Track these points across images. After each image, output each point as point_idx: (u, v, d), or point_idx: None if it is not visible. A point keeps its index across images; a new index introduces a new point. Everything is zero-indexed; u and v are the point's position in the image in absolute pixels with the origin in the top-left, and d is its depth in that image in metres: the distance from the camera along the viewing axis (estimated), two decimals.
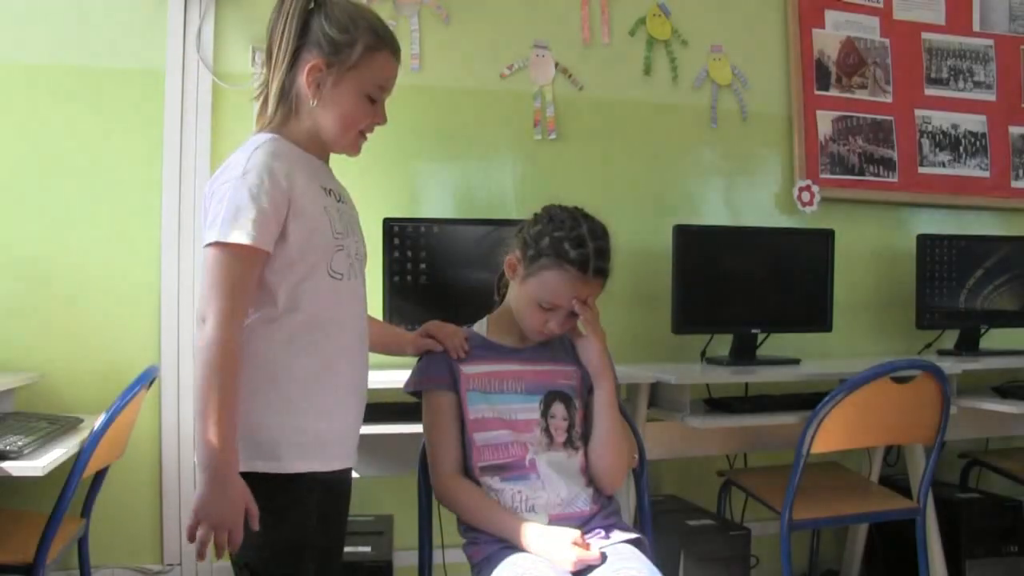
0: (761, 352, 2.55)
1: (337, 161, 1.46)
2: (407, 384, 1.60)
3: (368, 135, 1.40)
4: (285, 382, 1.28)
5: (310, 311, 1.29)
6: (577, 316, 1.54)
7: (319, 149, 1.38)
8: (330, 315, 1.32)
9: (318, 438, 1.31)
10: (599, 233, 1.53)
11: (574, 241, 1.49)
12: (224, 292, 1.21)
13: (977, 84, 2.99)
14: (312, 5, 1.32)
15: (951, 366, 2.28)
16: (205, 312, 1.22)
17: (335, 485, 1.37)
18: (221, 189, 1.25)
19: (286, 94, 1.33)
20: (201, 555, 1.18)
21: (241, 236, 1.20)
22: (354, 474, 1.48)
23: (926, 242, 2.69)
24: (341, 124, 1.33)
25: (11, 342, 2.20)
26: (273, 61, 1.33)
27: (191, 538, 1.19)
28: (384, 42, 1.34)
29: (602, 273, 1.52)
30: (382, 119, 1.38)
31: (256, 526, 1.20)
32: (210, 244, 1.23)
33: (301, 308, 1.28)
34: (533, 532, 1.43)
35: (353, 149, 1.39)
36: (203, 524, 1.17)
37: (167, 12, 2.32)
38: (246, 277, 1.23)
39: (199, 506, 1.18)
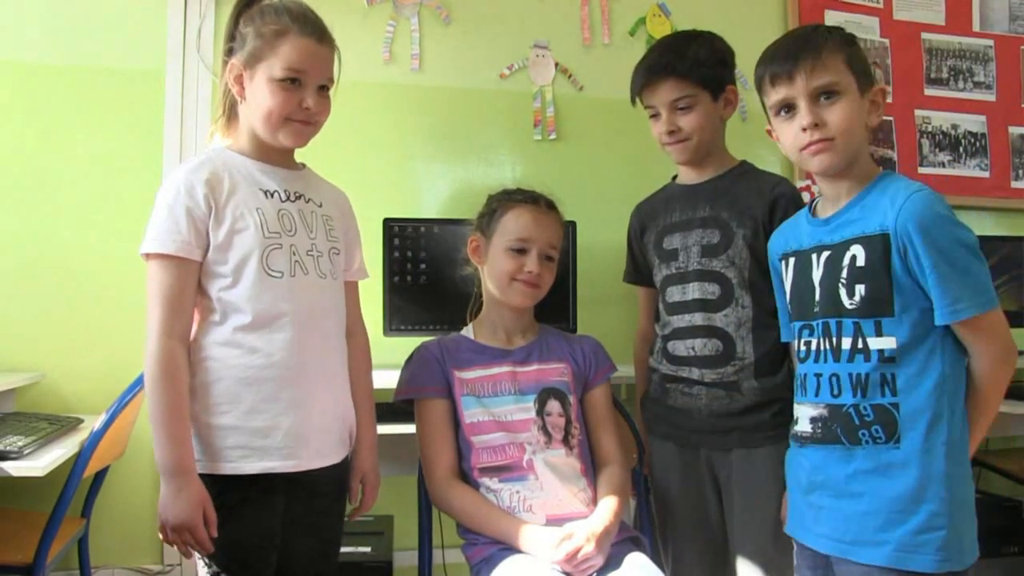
0: None
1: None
2: (397, 393, 1.60)
3: (310, 123, 1.34)
4: (229, 383, 1.28)
5: (247, 310, 1.29)
6: (551, 259, 1.60)
7: (266, 150, 1.37)
8: (271, 313, 1.30)
9: (269, 438, 1.29)
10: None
11: (517, 191, 1.66)
12: (157, 303, 1.26)
13: (977, 84, 2.99)
14: (240, 12, 1.36)
15: None
16: (148, 325, 1.26)
17: (307, 485, 1.34)
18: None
19: (227, 103, 1.38)
20: (186, 555, 1.25)
21: (155, 245, 1.26)
22: None
23: None
24: (263, 115, 1.32)
25: (12, 342, 2.20)
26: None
27: (162, 538, 1.24)
28: (289, 25, 1.30)
29: (553, 207, 1.65)
30: (311, 103, 1.32)
31: (214, 531, 1.23)
32: (145, 259, 1.29)
33: (237, 308, 1.29)
34: (526, 534, 1.43)
35: (288, 139, 1.34)
36: (166, 526, 1.23)
37: (167, 12, 2.33)
38: (176, 286, 1.26)
39: (159, 509, 1.24)
